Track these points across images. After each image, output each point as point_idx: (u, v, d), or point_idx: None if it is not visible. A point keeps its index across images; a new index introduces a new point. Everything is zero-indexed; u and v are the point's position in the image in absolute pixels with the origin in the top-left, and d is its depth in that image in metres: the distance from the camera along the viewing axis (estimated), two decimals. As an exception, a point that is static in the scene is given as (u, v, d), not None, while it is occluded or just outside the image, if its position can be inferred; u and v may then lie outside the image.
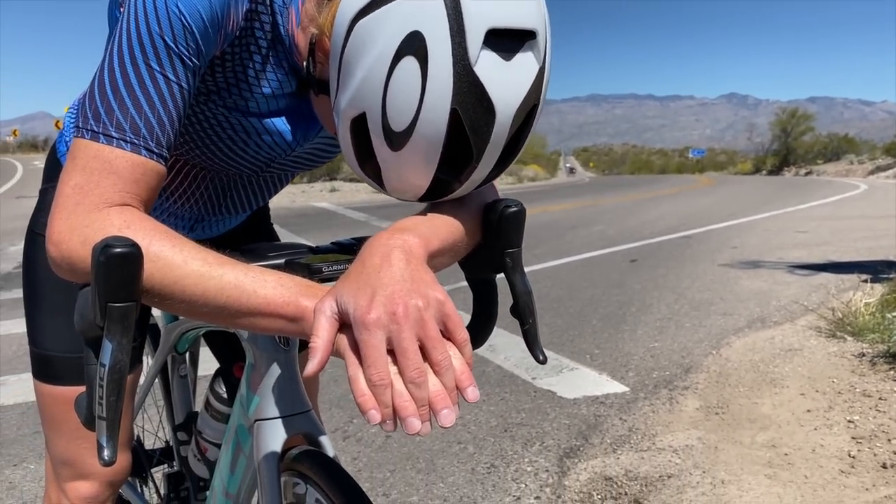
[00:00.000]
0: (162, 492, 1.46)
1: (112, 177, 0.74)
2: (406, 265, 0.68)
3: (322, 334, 0.65)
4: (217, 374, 1.22)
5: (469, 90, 0.68)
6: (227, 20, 0.81)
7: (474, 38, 0.68)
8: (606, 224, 10.78)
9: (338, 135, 0.80)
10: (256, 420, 0.92)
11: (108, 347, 0.64)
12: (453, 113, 0.69)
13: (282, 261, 0.86)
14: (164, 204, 1.11)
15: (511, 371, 3.61)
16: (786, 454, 2.63)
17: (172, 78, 0.77)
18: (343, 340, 0.66)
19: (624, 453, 2.70)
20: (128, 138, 0.74)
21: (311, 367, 0.64)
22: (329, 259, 0.84)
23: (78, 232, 0.71)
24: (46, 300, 1.13)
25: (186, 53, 0.77)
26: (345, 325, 0.66)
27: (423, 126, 0.70)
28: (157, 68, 0.76)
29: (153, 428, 1.90)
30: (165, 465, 1.59)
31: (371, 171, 0.79)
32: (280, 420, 0.90)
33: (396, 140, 0.72)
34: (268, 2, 0.86)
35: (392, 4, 0.69)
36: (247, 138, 0.96)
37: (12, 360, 4.14)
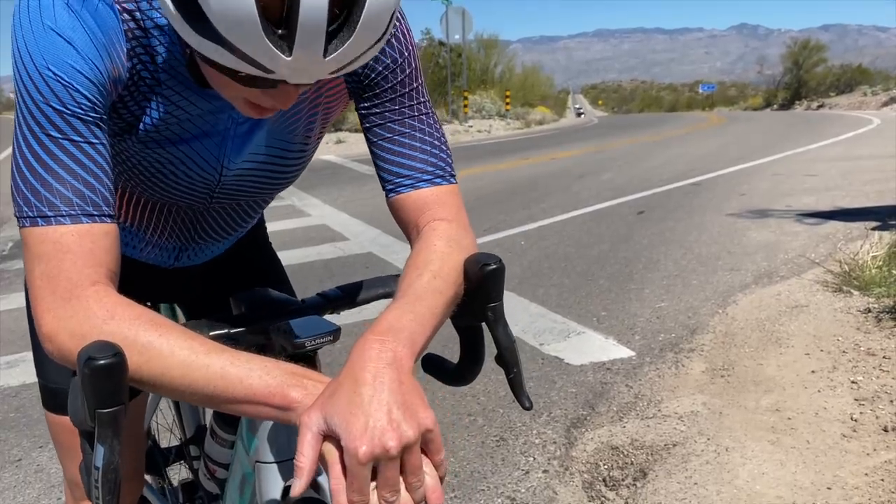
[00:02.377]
0: (179, 499, 1.52)
1: (68, 256, 0.75)
2: (398, 387, 0.68)
3: (307, 453, 0.66)
4: None
5: None
6: (111, 66, 0.80)
7: None
8: (615, 172, 10.70)
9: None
10: (256, 461, 0.95)
11: (99, 451, 0.66)
12: None
13: (268, 322, 0.88)
14: (145, 237, 1.13)
15: (519, 336, 3.66)
16: (789, 418, 2.68)
17: (78, 139, 0.76)
18: (330, 454, 0.67)
19: (630, 421, 2.76)
20: (63, 212, 0.75)
21: (297, 488, 0.66)
22: (312, 331, 0.86)
23: (64, 325, 0.73)
24: None
25: (80, 111, 0.76)
26: (330, 437, 0.67)
27: None
28: (59, 136, 0.75)
29: (168, 424, 1.95)
30: (181, 462, 1.65)
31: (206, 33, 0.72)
32: (277, 465, 0.92)
33: None
34: (149, 37, 0.84)
35: None
36: (174, 168, 0.96)
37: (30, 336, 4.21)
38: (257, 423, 0.96)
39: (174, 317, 1.58)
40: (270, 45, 0.66)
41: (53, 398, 1.18)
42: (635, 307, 4.15)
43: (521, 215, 7.20)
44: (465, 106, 27.01)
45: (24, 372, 3.60)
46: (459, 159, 14.30)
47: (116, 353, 0.65)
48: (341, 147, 17.04)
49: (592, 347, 3.54)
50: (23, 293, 3.94)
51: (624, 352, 3.47)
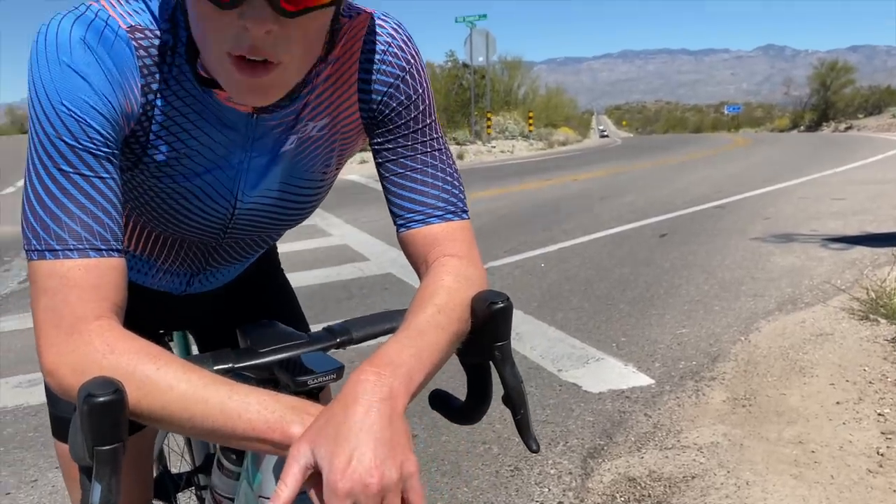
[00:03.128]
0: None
1: (74, 290, 0.75)
2: (388, 424, 0.67)
3: (290, 484, 0.65)
4: None
5: None
6: (125, 102, 0.81)
7: None
8: (637, 193, 10.64)
9: None
10: (260, 496, 0.94)
11: (97, 489, 0.65)
12: None
13: (271, 358, 0.87)
14: (156, 265, 1.13)
15: (537, 362, 3.63)
16: (813, 451, 2.62)
17: (89, 173, 0.77)
18: (316, 483, 0.66)
19: (648, 452, 2.71)
20: (71, 246, 0.75)
21: None
22: (315, 369, 0.85)
23: (65, 359, 0.73)
24: None
25: (93, 146, 0.77)
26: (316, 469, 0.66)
27: None
28: (70, 170, 0.76)
29: (179, 448, 1.95)
30: (192, 490, 1.63)
31: None
32: None
33: None
34: (166, 70, 0.84)
35: None
36: (186, 203, 0.96)
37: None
38: (262, 457, 0.95)
39: (186, 344, 1.58)
40: None
41: (62, 427, 1.17)
42: (656, 333, 4.10)
43: (542, 237, 7.17)
44: (489, 127, 27.10)
45: (43, 393, 3.63)
46: (482, 179, 14.28)
47: (116, 390, 0.65)
48: (364, 167, 17.14)
49: (611, 374, 3.49)
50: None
51: (643, 379, 3.41)
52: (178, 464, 1.92)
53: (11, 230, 9.59)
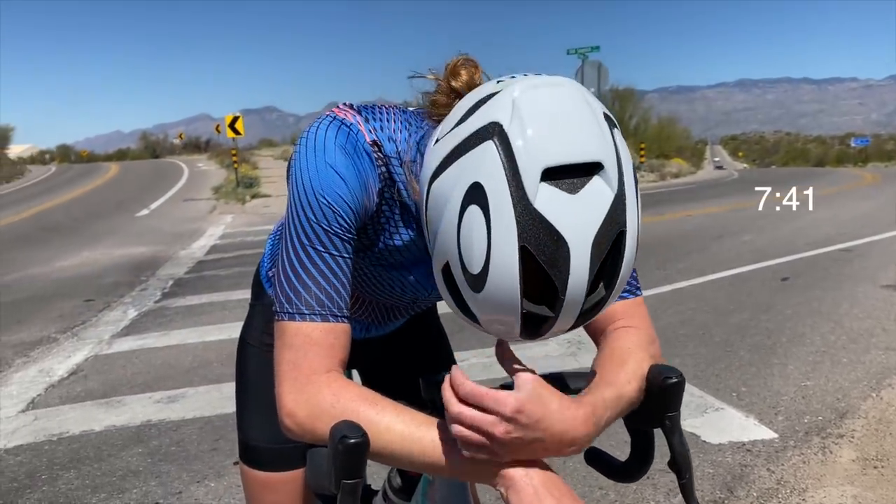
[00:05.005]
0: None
1: (314, 348, 0.91)
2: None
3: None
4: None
5: (533, 226, 0.73)
6: (366, 199, 0.97)
7: (531, 177, 0.73)
8: (755, 233, 10.29)
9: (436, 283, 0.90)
10: None
11: None
12: (522, 250, 0.74)
13: None
14: None
15: (653, 408, 3.60)
16: (953, 523, 2.49)
17: (335, 252, 0.93)
18: None
19: (771, 510, 2.65)
20: (316, 311, 0.91)
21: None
22: None
23: (302, 405, 0.89)
24: (255, 400, 1.34)
25: (340, 231, 0.93)
26: None
27: (496, 266, 0.75)
28: (322, 249, 0.92)
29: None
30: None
31: (467, 313, 0.87)
32: None
33: (476, 283, 0.78)
34: (394, 181, 1.00)
35: (457, 161, 0.79)
36: (392, 284, 1.14)
37: (189, 373, 4.56)
38: (434, 497, 1.06)
39: (349, 378, 1.74)
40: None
41: (251, 453, 1.34)
42: (778, 384, 3.98)
43: (657, 276, 7.08)
44: (599, 158, 26.82)
45: (183, 408, 3.93)
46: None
47: (363, 434, 0.79)
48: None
49: (731, 426, 3.42)
50: (182, 330, 4.38)
51: (766, 433, 3.33)
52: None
53: (146, 250, 10.35)
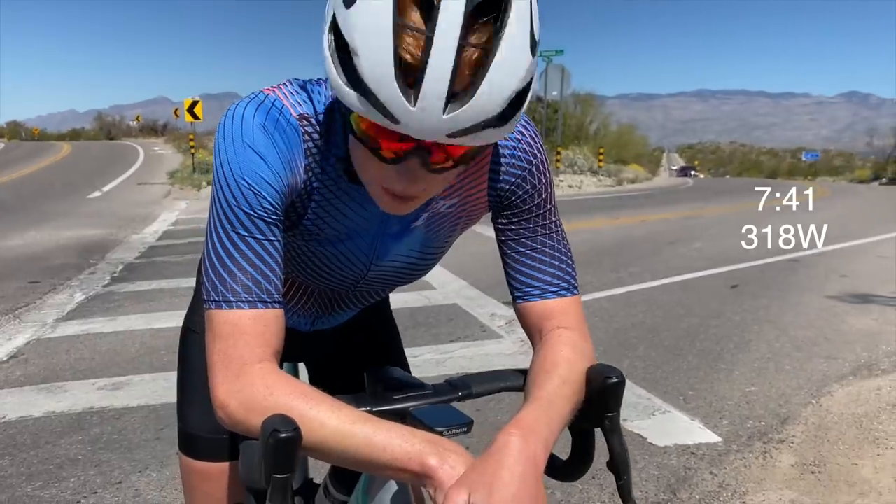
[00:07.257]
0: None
1: (244, 337, 0.88)
2: (534, 483, 0.78)
3: None
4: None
5: None
6: (291, 177, 0.94)
7: None
8: (708, 240, 10.49)
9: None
10: None
11: None
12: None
13: (406, 405, 0.98)
14: (288, 306, 1.27)
15: (602, 409, 3.64)
16: (884, 528, 2.57)
17: (260, 236, 0.90)
18: None
19: (712, 512, 2.70)
20: (243, 298, 0.88)
21: None
22: (448, 421, 0.95)
23: (234, 396, 0.86)
24: (197, 391, 1.30)
25: (264, 214, 0.90)
26: None
27: None
28: (246, 233, 0.89)
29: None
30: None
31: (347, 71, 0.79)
32: None
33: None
34: (330, 151, 0.97)
35: None
36: (328, 262, 1.10)
37: (135, 360, 4.46)
38: (376, 488, 1.04)
39: (296, 374, 1.70)
40: (399, 91, 0.75)
41: (191, 442, 1.30)
42: (724, 389, 4.06)
43: (610, 278, 7.17)
44: (558, 160, 27.10)
45: (127, 395, 3.84)
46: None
47: (295, 429, 0.77)
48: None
49: (677, 429, 3.48)
50: (131, 316, 4.28)
51: (710, 436, 3.40)
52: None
53: (97, 233, 10.10)
